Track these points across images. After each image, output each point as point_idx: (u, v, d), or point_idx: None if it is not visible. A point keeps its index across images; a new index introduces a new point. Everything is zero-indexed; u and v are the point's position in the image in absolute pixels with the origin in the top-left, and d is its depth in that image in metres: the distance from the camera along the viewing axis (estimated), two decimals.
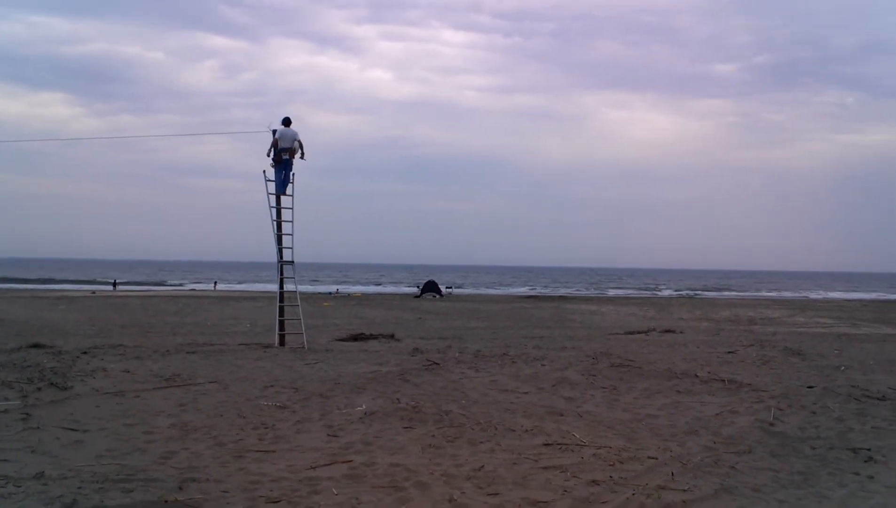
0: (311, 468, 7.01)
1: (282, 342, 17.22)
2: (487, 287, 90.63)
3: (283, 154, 17.10)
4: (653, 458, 7.54)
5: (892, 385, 12.32)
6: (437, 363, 13.90)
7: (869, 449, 8.09)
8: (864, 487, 6.78)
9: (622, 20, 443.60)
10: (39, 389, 10.40)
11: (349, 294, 57.43)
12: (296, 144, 17.21)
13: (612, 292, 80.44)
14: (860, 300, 64.12)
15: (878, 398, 10.97)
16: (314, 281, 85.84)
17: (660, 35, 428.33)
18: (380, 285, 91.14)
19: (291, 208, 17.55)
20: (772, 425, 9.22)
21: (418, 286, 60.19)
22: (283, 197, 17.50)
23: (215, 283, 77.84)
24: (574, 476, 6.82)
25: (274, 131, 17.28)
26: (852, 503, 6.31)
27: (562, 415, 9.61)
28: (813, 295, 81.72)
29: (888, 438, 8.66)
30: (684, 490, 6.46)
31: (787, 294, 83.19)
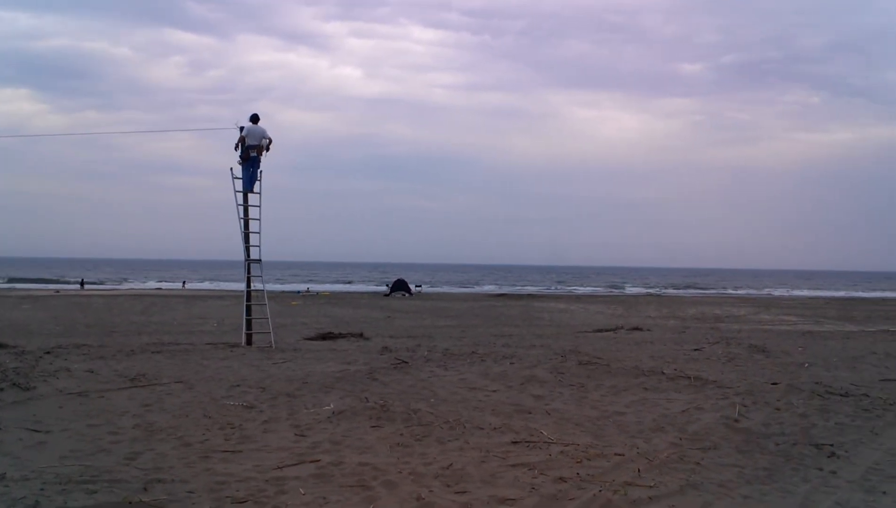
0: (279, 467, 6.97)
1: (249, 342, 17.10)
2: (457, 286, 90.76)
3: (251, 151, 16.97)
4: (620, 455, 7.60)
5: (854, 382, 12.54)
6: (405, 362, 13.90)
7: (832, 445, 8.22)
8: (827, 482, 6.88)
9: (590, 19, 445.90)
10: (1, 389, 10.22)
11: (318, 293, 57.11)
12: (264, 141, 17.09)
13: (580, 291, 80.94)
14: (824, 298, 65.12)
15: (841, 395, 11.15)
16: (282, 280, 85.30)
17: (628, 34, 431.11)
18: (349, 283, 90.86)
19: (259, 206, 17.44)
20: (737, 421, 9.33)
21: (387, 285, 60.05)
22: (250, 195, 17.38)
23: (184, 282, 76.93)
24: (542, 474, 6.85)
25: (241, 128, 17.15)
26: (815, 498, 6.40)
27: (530, 413, 9.66)
28: (778, 293, 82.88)
29: (851, 434, 8.81)
30: (650, 487, 6.51)
31: (753, 292, 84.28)
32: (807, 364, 14.89)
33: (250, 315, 17.47)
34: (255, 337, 17.28)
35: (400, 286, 55.79)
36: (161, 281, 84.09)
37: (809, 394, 11.13)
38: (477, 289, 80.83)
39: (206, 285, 79.47)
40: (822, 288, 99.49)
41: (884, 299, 61.10)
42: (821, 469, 7.30)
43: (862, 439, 8.57)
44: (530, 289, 79.69)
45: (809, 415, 9.77)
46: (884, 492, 6.58)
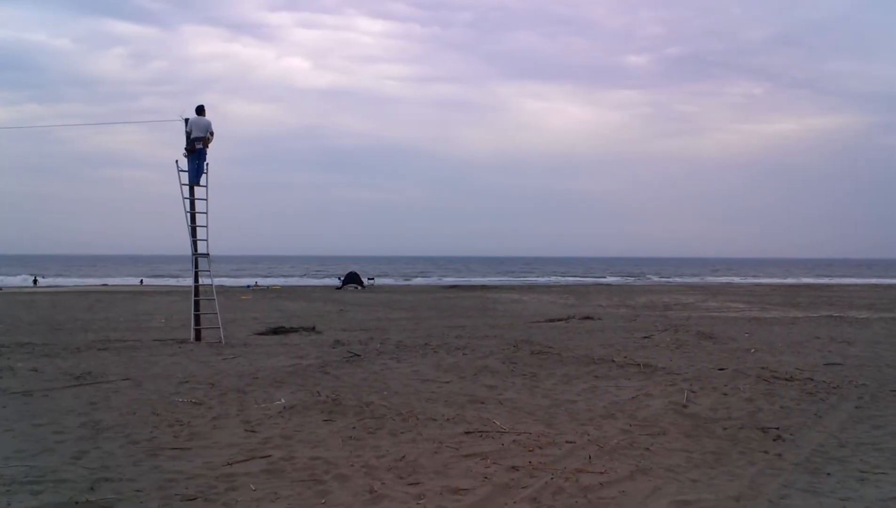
0: (229, 464, 6.88)
1: (198, 337, 16.85)
2: (410, 278, 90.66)
3: (197, 143, 16.70)
4: (571, 442, 7.66)
5: (799, 366, 12.83)
6: (358, 355, 13.84)
7: (777, 428, 8.40)
8: (772, 465, 7.02)
9: (538, 11, 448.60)
10: None
11: (268, 287, 56.51)
12: (210, 132, 16.82)
13: (532, 281, 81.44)
14: (770, 285, 66.50)
15: (786, 379, 11.41)
16: (231, 274, 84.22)
17: (575, 26, 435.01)
18: (300, 277, 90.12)
19: (206, 199, 17.15)
20: (685, 407, 9.49)
21: (339, 278, 59.56)
22: (196, 188, 17.10)
23: (141, 280, 74.99)
24: (494, 463, 6.87)
25: (186, 120, 16.86)
26: (762, 480, 6.53)
27: (483, 403, 9.69)
28: (725, 280, 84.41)
29: (796, 417, 9.01)
30: (601, 473, 6.58)
31: (700, 280, 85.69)
32: (753, 350, 15.20)
33: (199, 311, 17.20)
34: (203, 333, 17.04)
35: (352, 279, 55.44)
36: (107, 276, 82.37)
37: (755, 379, 11.38)
38: (430, 281, 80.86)
39: (172, 281, 77.91)
40: (769, 275, 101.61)
41: (827, 286, 62.60)
42: (767, 453, 7.44)
43: (807, 422, 8.77)
44: (483, 280, 79.97)
45: (755, 399, 9.97)
46: (828, 474, 6.73)
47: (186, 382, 11.12)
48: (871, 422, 8.78)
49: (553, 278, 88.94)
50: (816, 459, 7.22)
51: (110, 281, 71.39)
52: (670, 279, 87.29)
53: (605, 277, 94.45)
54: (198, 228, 17.24)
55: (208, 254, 17.34)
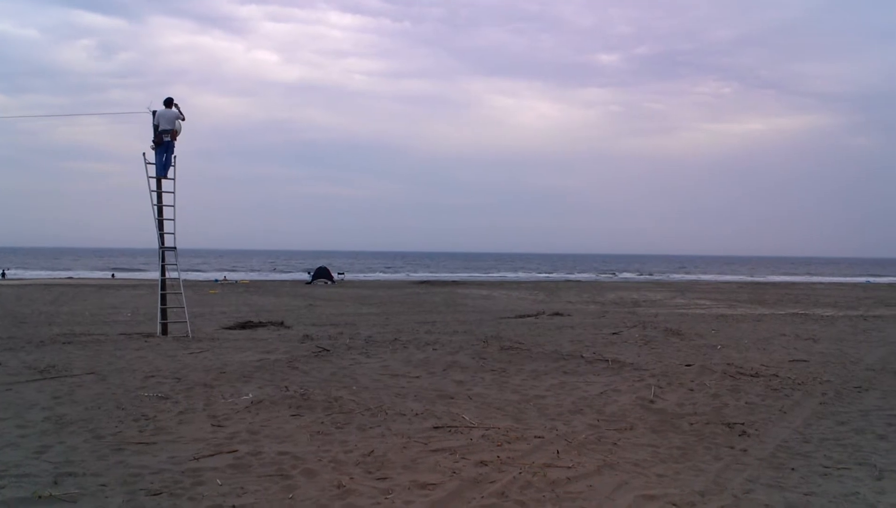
0: (195, 459, 6.82)
1: (164, 331, 16.68)
2: (380, 273, 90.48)
3: (164, 136, 16.51)
4: (539, 437, 7.69)
5: (764, 363, 12.99)
6: (327, 350, 13.79)
7: (743, 424, 8.49)
8: (738, 460, 7.09)
9: (508, 8, 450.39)
10: None
11: (236, 281, 56.06)
12: (178, 124, 16.63)
13: (502, 277, 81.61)
14: (737, 282, 67.26)
15: (752, 375, 11.55)
16: (199, 268, 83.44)
17: (545, 24, 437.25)
18: (269, 271, 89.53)
19: (173, 193, 16.96)
20: (652, 402, 9.56)
21: (309, 272, 59.23)
22: (164, 181, 16.91)
23: (113, 274, 73.74)
24: (463, 458, 6.87)
25: (154, 113, 16.66)
26: (727, 475, 6.59)
27: (452, 398, 9.69)
28: (693, 277, 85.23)
29: (760, 413, 9.11)
30: (569, 468, 6.61)
31: (668, 277, 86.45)
32: (719, 346, 15.35)
33: (165, 304, 17.03)
34: (170, 327, 16.87)
35: (322, 274, 55.16)
36: (68, 269, 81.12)
37: (721, 375, 11.50)
38: (400, 276, 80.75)
39: (142, 274, 76.84)
40: (736, 273, 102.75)
41: (793, 284, 63.48)
42: (732, 448, 7.52)
43: (771, 418, 8.88)
44: (453, 276, 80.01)
45: (721, 395, 10.08)
46: (792, 469, 6.81)
47: (152, 376, 11.00)
48: (834, 418, 8.91)
49: (523, 275, 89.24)
50: (781, 454, 7.31)
51: (76, 274, 70.36)
52: (640, 276, 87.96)
53: (573, 273, 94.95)
54: (165, 221, 17.06)
55: (175, 247, 17.16)
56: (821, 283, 66.61)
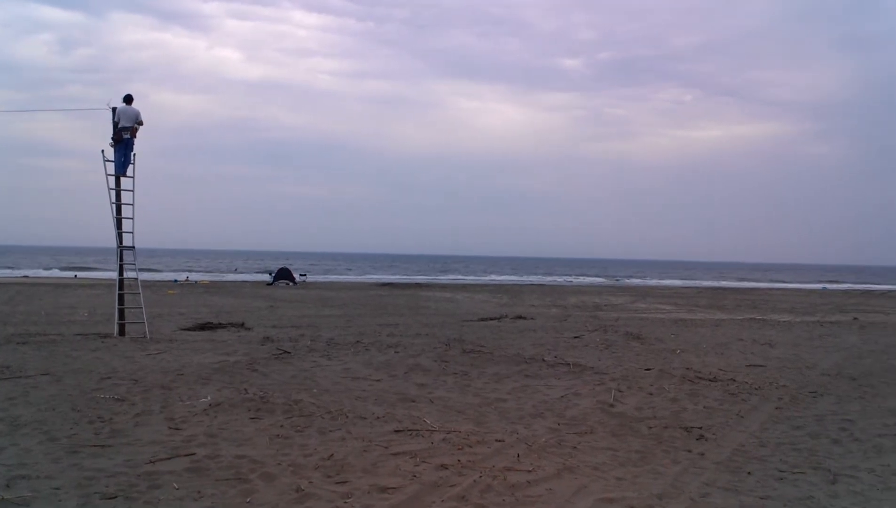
0: (151, 462, 6.72)
1: (121, 332, 16.43)
2: (342, 274, 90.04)
3: (124, 133, 16.28)
4: (500, 441, 7.70)
5: (722, 367, 13.16)
6: (287, 352, 13.68)
7: (700, 428, 8.58)
8: (695, 464, 7.16)
9: (472, 11, 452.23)
10: None
11: (196, 282, 55.41)
12: (138, 121, 16.41)
13: (466, 279, 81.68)
14: (696, 288, 68.08)
15: (710, 380, 11.69)
16: (158, 268, 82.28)
17: (509, 27, 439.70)
18: (230, 272, 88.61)
19: (132, 191, 16.74)
20: (612, 406, 9.63)
21: (270, 273, 58.68)
22: (123, 179, 16.67)
23: (76, 275, 72.26)
24: (423, 462, 6.85)
25: (114, 109, 16.41)
26: (685, 479, 6.65)
27: (413, 401, 9.67)
28: (653, 282, 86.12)
29: (718, 417, 9.22)
30: (529, 471, 6.62)
31: (629, 281, 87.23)
32: (679, 351, 15.53)
33: (123, 305, 16.77)
34: (128, 327, 16.61)
35: (283, 275, 54.69)
36: (20, 268, 79.49)
37: (680, 379, 11.63)
38: (363, 278, 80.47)
39: (103, 274, 75.46)
40: (695, 278, 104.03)
41: (751, 289, 64.39)
42: (690, 451, 7.60)
43: (729, 422, 8.99)
44: (417, 278, 79.91)
45: (680, 399, 10.19)
46: (748, 473, 6.90)
47: (109, 378, 10.85)
48: (790, 423, 9.05)
49: (487, 278, 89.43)
50: (737, 458, 7.40)
51: (32, 273, 68.99)
52: (602, 280, 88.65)
53: (536, 276, 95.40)
54: (123, 219, 16.82)
55: (134, 247, 16.92)
56: (778, 289, 67.71)
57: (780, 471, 6.98)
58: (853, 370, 13.34)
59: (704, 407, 9.77)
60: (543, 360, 13.37)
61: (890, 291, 64.12)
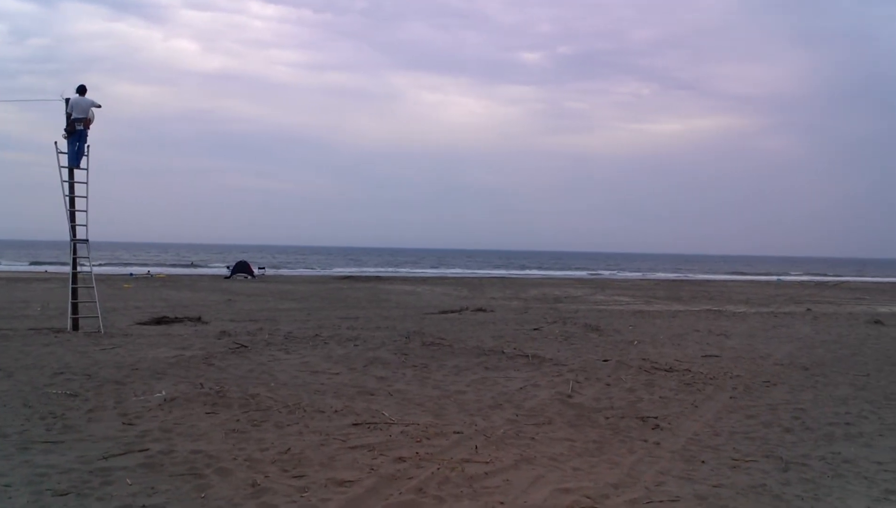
0: (104, 458, 6.63)
1: (75, 327, 16.14)
2: (302, 268, 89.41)
3: (77, 124, 15.97)
4: (458, 433, 7.71)
5: (678, 358, 13.33)
6: (245, 346, 13.55)
7: (656, 418, 8.69)
8: (651, 453, 7.25)
9: (432, 2, 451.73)
10: None
11: (152, 275, 54.57)
12: (91, 113, 16.10)
13: (426, 272, 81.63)
14: (654, 280, 68.85)
15: (666, 370, 11.84)
16: (113, 261, 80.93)
17: (469, 20, 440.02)
18: (187, 265, 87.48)
19: (86, 183, 16.44)
20: (570, 397, 9.70)
21: (228, 267, 57.97)
22: (76, 171, 16.36)
23: (46, 269, 70.24)
24: (381, 454, 6.84)
25: (67, 100, 16.09)
26: (640, 468, 6.73)
27: (372, 395, 9.64)
28: (612, 274, 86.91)
29: (674, 407, 9.35)
30: (487, 463, 6.64)
31: (589, 273, 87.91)
32: (636, 342, 15.70)
33: (76, 299, 16.47)
34: (81, 322, 16.33)
35: (242, 268, 54.00)
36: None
37: (637, 370, 11.76)
38: (323, 271, 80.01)
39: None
40: (654, 270, 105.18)
41: (707, 281, 65.30)
42: (646, 441, 7.69)
43: (684, 411, 9.11)
44: (377, 271, 79.69)
45: (637, 390, 10.31)
46: (703, 461, 7.00)
47: (61, 373, 10.67)
48: (744, 412, 9.20)
49: (448, 270, 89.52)
50: (692, 447, 7.50)
51: None
52: (563, 272, 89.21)
53: (497, 269, 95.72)
54: (77, 212, 16.52)
55: (87, 240, 16.62)
56: (734, 280, 68.77)
57: (734, 460, 7.09)
58: (806, 360, 13.61)
59: (660, 397, 9.89)
60: (503, 352, 13.42)
61: (842, 282, 65.53)
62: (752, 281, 68.17)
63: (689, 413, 9.02)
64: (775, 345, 15.86)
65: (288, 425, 7.91)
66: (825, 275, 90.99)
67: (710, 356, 13.84)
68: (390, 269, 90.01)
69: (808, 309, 28.42)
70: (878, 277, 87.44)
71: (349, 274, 67.18)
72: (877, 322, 21.85)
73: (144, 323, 18.62)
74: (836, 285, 58.79)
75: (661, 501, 5.84)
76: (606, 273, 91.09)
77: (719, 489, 6.19)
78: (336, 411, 8.58)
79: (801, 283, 63.49)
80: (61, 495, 5.69)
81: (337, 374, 11.08)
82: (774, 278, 79.22)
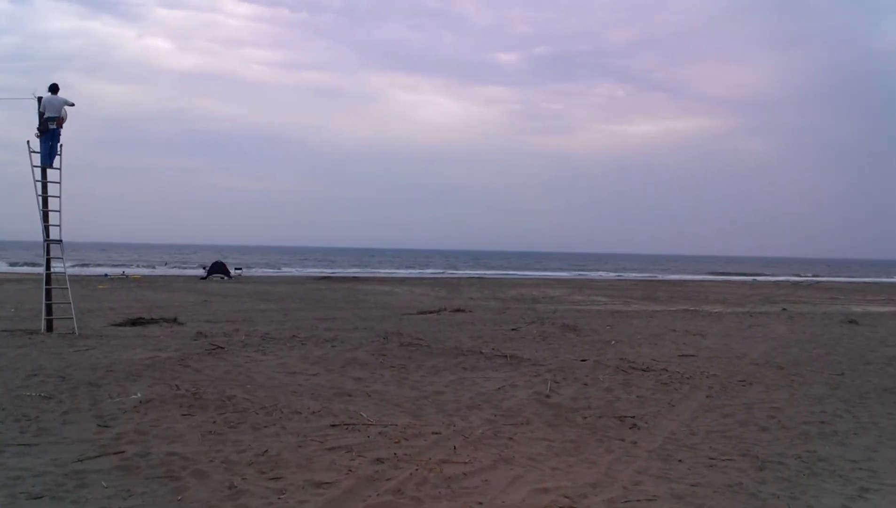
0: (79, 460, 6.56)
1: (49, 328, 15.96)
2: (279, 268, 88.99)
3: (50, 123, 15.80)
4: (437, 433, 7.70)
5: (655, 358, 13.41)
6: (221, 347, 13.46)
7: (633, 417, 8.73)
8: (628, 452, 7.28)
9: (408, 2, 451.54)
10: None
11: (128, 276, 54.08)
12: (64, 111, 15.94)
13: (406, 273, 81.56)
14: (631, 280, 69.21)
15: (643, 370, 11.90)
16: (87, 262, 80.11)
17: (445, 20, 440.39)
18: (162, 265, 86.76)
19: (59, 183, 16.25)
20: (548, 397, 9.73)
21: (204, 268, 57.56)
22: (49, 170, 16.18)
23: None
24: (359, 456, 6.82)
25: (39, 99, 15.91)
26: (618, 467, 6.76)
27: (350, 396, 9.61)
28: (590, 274, 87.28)
29: (651, 406, 9.40)
30: (465, 463, 6.64)
31: (567, 274, 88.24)
32: (613, 342, 15.77)
33: (50, 300, 16.29)
34: (56, 323, 16.15)
35: (218, 269, 53.61)
36: None
37: (615, 370, 11.81)
38: (301, 272, 79.64)
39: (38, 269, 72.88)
40: (630, 270, 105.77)
41: (684, 281, 65.75)
42: (623, 440, 7.72)
43: (661, 411, 9.17)
44: (355, 271, 79.49)
45: (614, 389, 10.36)
46: (679, 460, 7.04)
47: (35, 375, 10.54)
48: (720, 411, 9.27)
49: (426, 271, 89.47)
50: (669, 446, 7.55)
51: None
52: (538, 272, 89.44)
53: (475, 269, 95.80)
54: (50, 212, 16.33)
55: (61, 240, 16.44)
56: (710, 281, 69.29)
57: (710, 458, 7.14)
58: (781, 359, 13.74)
59: (637, 397, 9.94)
60: (481, 352, 13.43)
61: (817, 282, 66.27)
62: (728, 281, 68.72)
63: (665, 413, 9.07)
64: (751, 345, 16.00)
65: (265, 426, 7.87)
66: (800, 275, 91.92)
67: (687, 355, 13.94)
68: (368, 269, 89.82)
69: (784, 309, 28.69)
70: (852, 277, 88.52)
71: (327, 275, 66.95)
72: (851, 322, 22.11)
73: (119, 324, 18.45)
74: (811, 284, 59.44)
75: (638, 500, 5.87)
76: (584, 273, 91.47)
77: (696, 487, 6.23)
78: (313, 412, 8.54)
79: (777, 283, 64.12)
80: (35, 498, 5.63)
81: (314, 375, 11.03)
82: (750, 278, 79.94)
